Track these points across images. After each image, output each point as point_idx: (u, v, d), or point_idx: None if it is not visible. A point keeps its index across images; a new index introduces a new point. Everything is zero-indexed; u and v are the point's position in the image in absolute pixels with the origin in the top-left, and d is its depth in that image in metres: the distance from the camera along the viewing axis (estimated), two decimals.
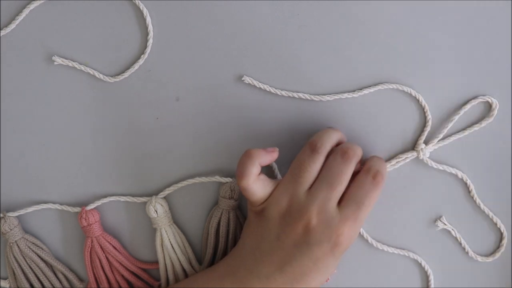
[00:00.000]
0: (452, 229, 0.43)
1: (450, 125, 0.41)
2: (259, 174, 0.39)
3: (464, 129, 0.42)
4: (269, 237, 0.38)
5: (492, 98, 0.40)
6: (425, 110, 0.41)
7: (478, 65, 0.40)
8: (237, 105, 0.42)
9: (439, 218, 0.43)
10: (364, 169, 0.39)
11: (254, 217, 0.39)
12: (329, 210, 0.37)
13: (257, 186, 0.38)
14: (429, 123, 0.41)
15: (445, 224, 0.43)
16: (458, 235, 0.43)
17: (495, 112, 0.41)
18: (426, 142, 0.42)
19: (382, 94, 0.42)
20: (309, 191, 0.38)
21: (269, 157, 0.39)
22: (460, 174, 0.42)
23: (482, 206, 0.43)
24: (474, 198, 0.42)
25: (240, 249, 0.40)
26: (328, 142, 0.39)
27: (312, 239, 0.36)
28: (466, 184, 0.42)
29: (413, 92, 0.41)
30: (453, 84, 0.41)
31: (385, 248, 0.44)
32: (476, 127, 0.41)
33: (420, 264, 0.44)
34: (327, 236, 0.36)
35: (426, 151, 0.42)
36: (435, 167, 0.42)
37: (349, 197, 0.38)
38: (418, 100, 0.41)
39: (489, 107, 0.41)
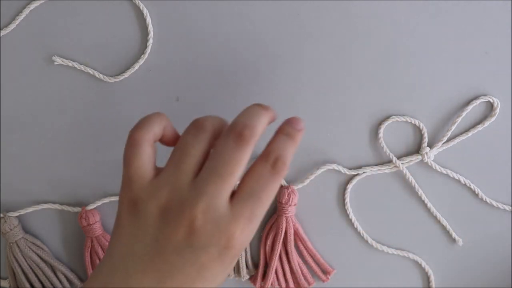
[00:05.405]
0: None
1: (453, 127, 0.41)
2: (154, 145, 0.32)
3: (467, 130, 0.41)
4: (145, 240, 0.30)
5: (493, 98, 0.40)
6: (414, 123, 0.41)
7: (478, 65, 0.40)
8: (238, 105, 0.42)
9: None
10: (262, 154, 0.31)
11: (127, 214, 0.31)
12: (218, 207, 0.29)
13: (148, 154, 0.31)
14: (424, 129, 0.41)
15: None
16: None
17: (497, 111, 0.41)
18: (431, 146, 0.42)
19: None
20: (194, 182, 0.30)
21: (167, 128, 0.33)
22: (463, 179, 0.42)
23: (488, 200, 0.42)
24: (484, 199, 0.42)
25: (108, 260, 0.31)
26: (215, 120, 0.32)
27: (197, 242, 0.29)
28: (471, 188, 0.42)
29: (394, 114, 0.41)
30: (454, 86, 0.41)
31: (385, 249, 0.44)
32: (479, 127, 0.41)
33: (421, 265, 0.44)
34: (216, 239, 0.29)
35: (430, 154, 0.41)
36: (439, 170, 0.42)
37: (243, 191, 0.30)
38: (406, 121, 0.41)
39: (490, 106, 0.41)
